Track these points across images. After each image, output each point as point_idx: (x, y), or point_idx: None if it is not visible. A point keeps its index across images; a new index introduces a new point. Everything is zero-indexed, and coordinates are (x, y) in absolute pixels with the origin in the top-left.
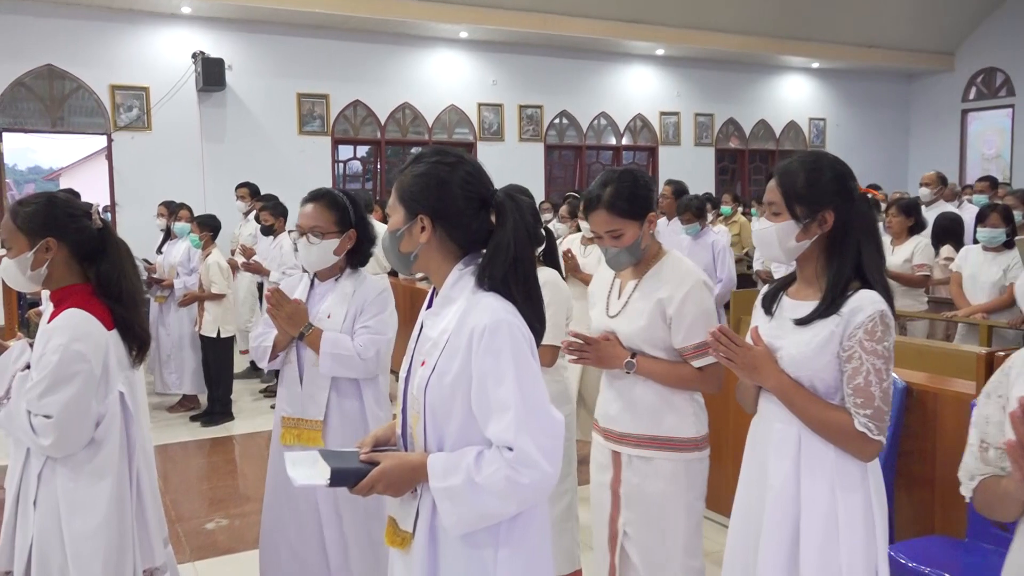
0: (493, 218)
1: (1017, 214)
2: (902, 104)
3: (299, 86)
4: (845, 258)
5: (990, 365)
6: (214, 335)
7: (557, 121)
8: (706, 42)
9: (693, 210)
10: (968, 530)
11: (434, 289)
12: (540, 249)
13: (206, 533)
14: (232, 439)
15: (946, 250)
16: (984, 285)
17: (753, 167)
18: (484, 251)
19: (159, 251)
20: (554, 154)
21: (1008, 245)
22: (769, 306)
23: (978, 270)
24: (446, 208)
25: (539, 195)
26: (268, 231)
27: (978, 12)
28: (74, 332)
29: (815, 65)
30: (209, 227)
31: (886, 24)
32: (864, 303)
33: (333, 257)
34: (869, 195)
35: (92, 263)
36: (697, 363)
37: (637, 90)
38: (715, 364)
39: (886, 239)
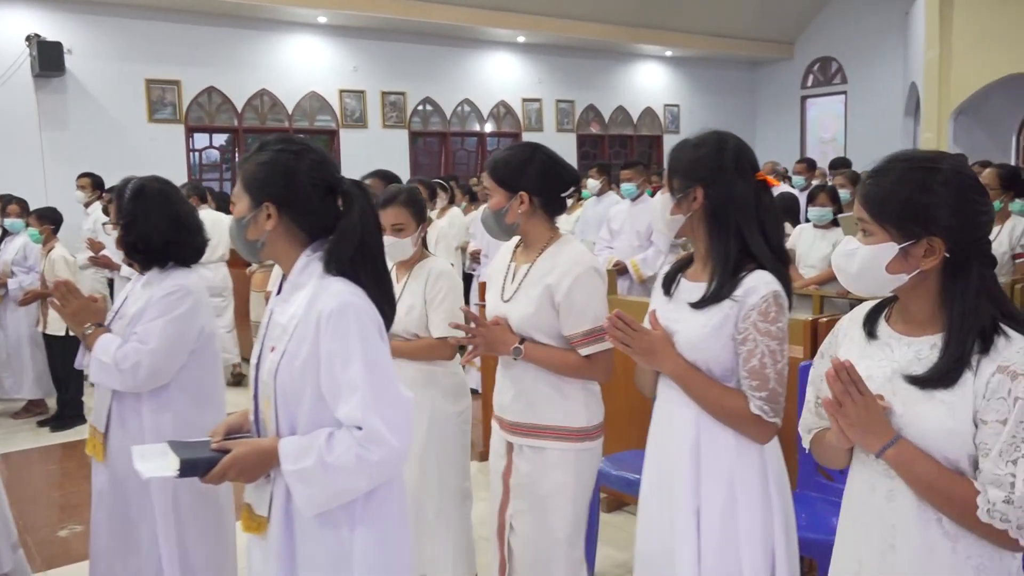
0: (341, 205)
1: (845, 192)
2: (748, 91)
3: (147, 71)
4: (726, 240)
5: (814, 331)
6: (62, 333)
7: (421, 108)
8: (565, 30)
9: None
10: (798, 482)
11: (283, 276)
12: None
13: (58, 541)
14: (84, 443)
15: (786, 228)
16: (815, 260)
17: (613, 152)
18: (331, 237)
19: None
20: (419, 141)
21: (836, 223)
22: (668, 287)
23: (810, 246)
24: (291, 195)
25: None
26: None
27: (814, 4)
28: None
29: (668, 53)
30: (50, 220)
31: (732, 14)
32: (758, 284)
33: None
34: (768, 181)
35: None
36: (584, 351)
37: (500, 77)
38: (604, 352)
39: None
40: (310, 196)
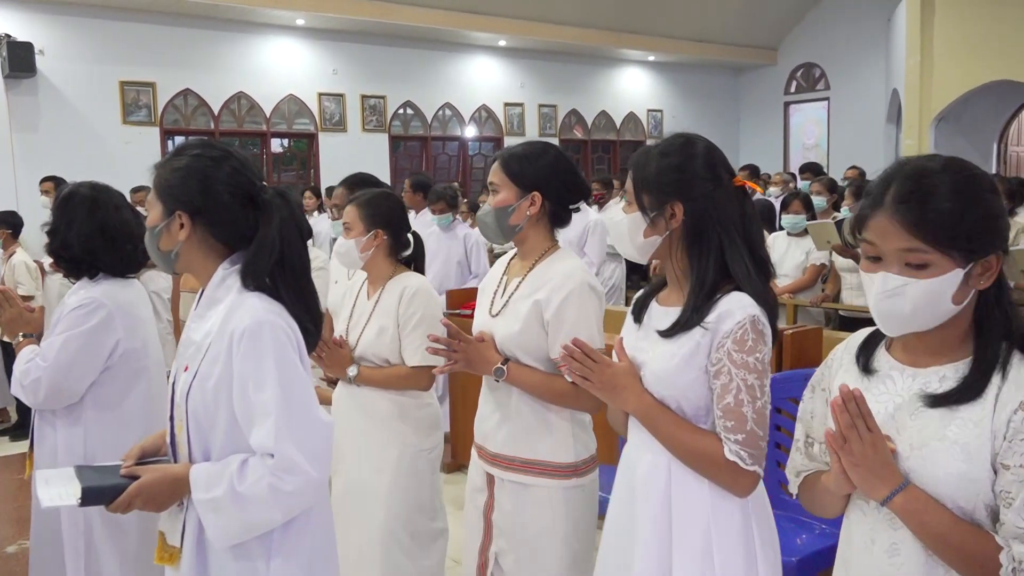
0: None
1: (821, 200)
2: (732, 96)
3: (121, 73)
4: (705, 258)
5: (781, 344)
6: None
7: (401, 111)
8: (547, 34)
9: (447, 199)
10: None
11: (201, 290)
12: (407, 253)
13: (5, 557)
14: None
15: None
16: (789, 268)
17: (596, 157)
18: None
19: None
20: (399, 145)
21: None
22: (639, 314)
23: (784, 254)
24: (207, 204)
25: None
26: None
27: (797, 10)
28: None
29: (651, 58)
30: (9, 224)
31: (715, 20)
32: (733, 308)
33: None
34: (748, 186)
35: None
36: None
37: (481, 81)
38: None
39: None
40: (227, 205)
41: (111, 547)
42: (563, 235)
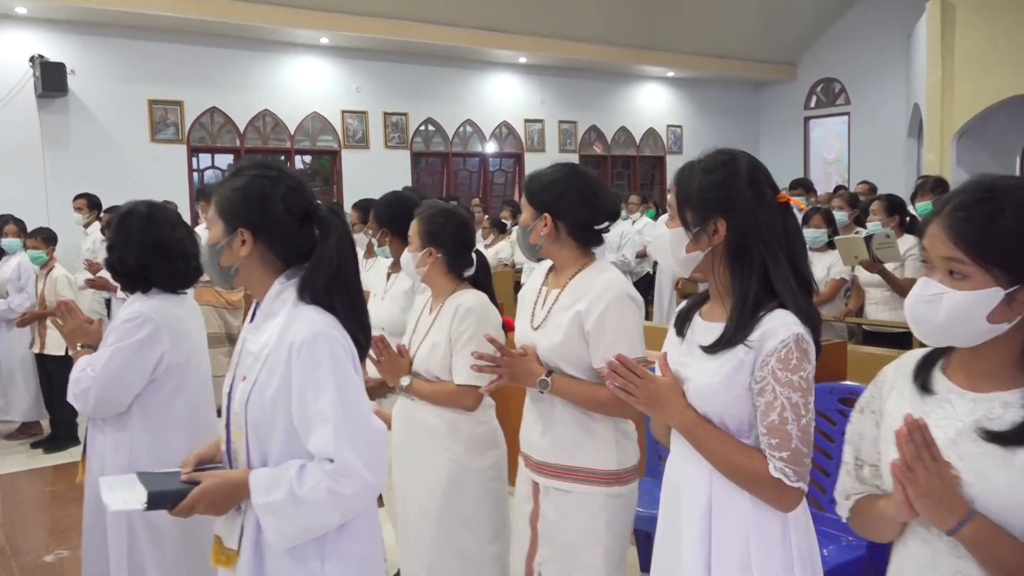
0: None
1: (842, 215)
2: (751, 111)
3: (150, 92)
4: (748, 275)
5: None
6: (61, 353)
7: (423, 128)
8: (567, 51)
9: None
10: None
11: (256, 303)
12: (470, 272)
13: (44, 567)
14: (77, 465)
15: None
16: None
17: (616, 173)
18: (306, 265)
19: None
20: (421, 161)
21: (832, 245)
22: (681, 327)
23: None
24: (267, 222)
25: None
26: None
27: (816, 26)
28: None
29: (670, 74)
30: (51, 240)
31: (734, 35)
32: (777, 327)
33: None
34: (791, 202)
35: None
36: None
37: (502, 97)
38: None
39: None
40: (285, 222)
41: (153, 554)
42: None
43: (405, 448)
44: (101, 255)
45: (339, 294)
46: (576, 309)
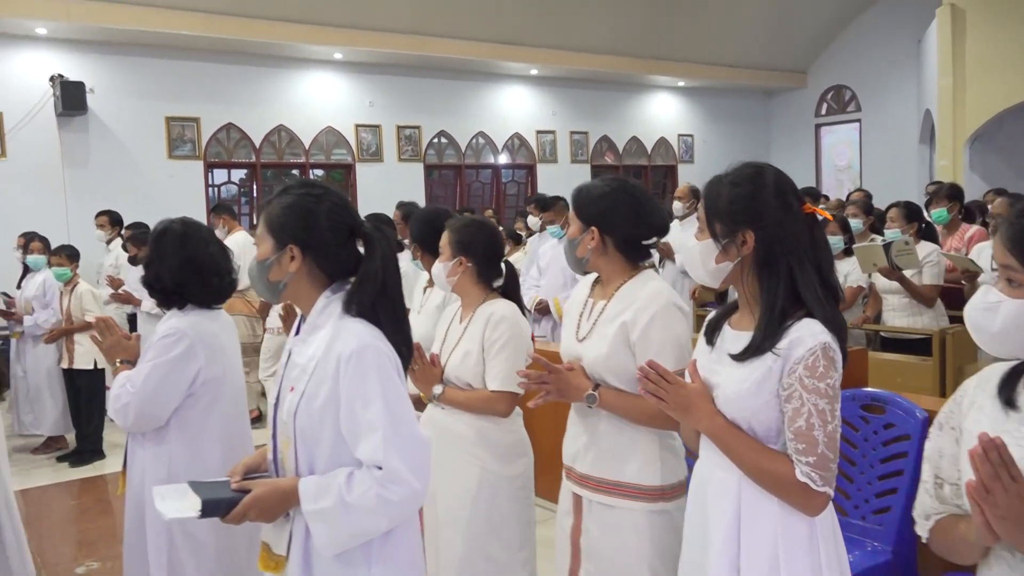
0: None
1: (857, 222)
2: (762, 119)
3: (167, 109)
4: (775, 285)
5: None
6: (89, 367)
7: (436, 141)
8: (578, 62)
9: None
10: None
11: (302, 317)
12: (499, 282)
13: None
14: (103, 478)
15: None
16: None
17: None
18: (351, 279)
19: (19, 285)
20: (434, 173)
21: (848, 252)
22: (711, 336)
23: None
24: (314, 238)
25: None
26: (135, 261)
27: (826, 34)
28: None
29: (681, 84)
30: (75, 258)
31: (744, 44)
32: (804, 335)
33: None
34: (817, 213)
35: None
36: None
37: (514, 109)
38: None
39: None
40: (331, 239)
41: (192, 563)
42: (558, 264)
43: (435, 457)
44: (123, 271)
45: (384, 307)
46: (622, 319)
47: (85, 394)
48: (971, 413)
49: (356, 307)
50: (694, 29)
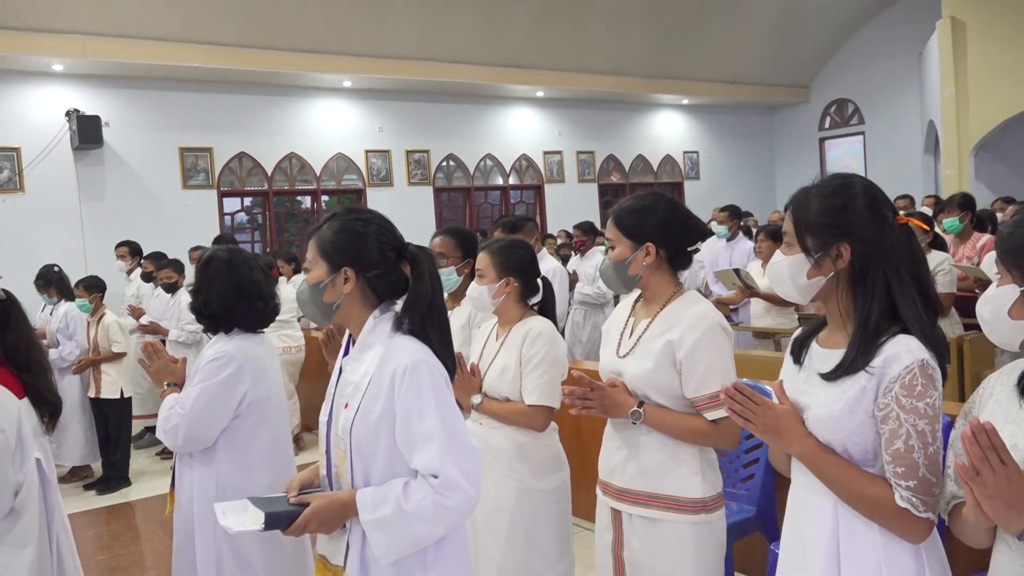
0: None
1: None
2: (766, 134)
3: (181, 140)
4: (871, 299)
5: None
6: (116, 396)
7: (444, 164)
8: (583, 83)
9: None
10: None
11: (350, 336)
12: (536, 299)
13: None
14: (131, 505)
15: None
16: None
17: None
18: (397, 299)
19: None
20: (443, 196)
21: None
22: (798, 354)
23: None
24: (366, 260)
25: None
26: (171, 288)
27: (827, 49)
28: None
29: (685, 101)
30: (97, 288)
31: (747, 61)
32: (900, 352)
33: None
34: (911, 224)
35: None
36: (712, 415)
37: (521, 131)
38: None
39: (756, 264)
40: (381, 260)
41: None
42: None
43: None
44: (144, 300)
45: (432, 324)
46: (668, 338)
47: (112, 423)
48: (988, 404)
49: (408, 325)
50: (697, 47)
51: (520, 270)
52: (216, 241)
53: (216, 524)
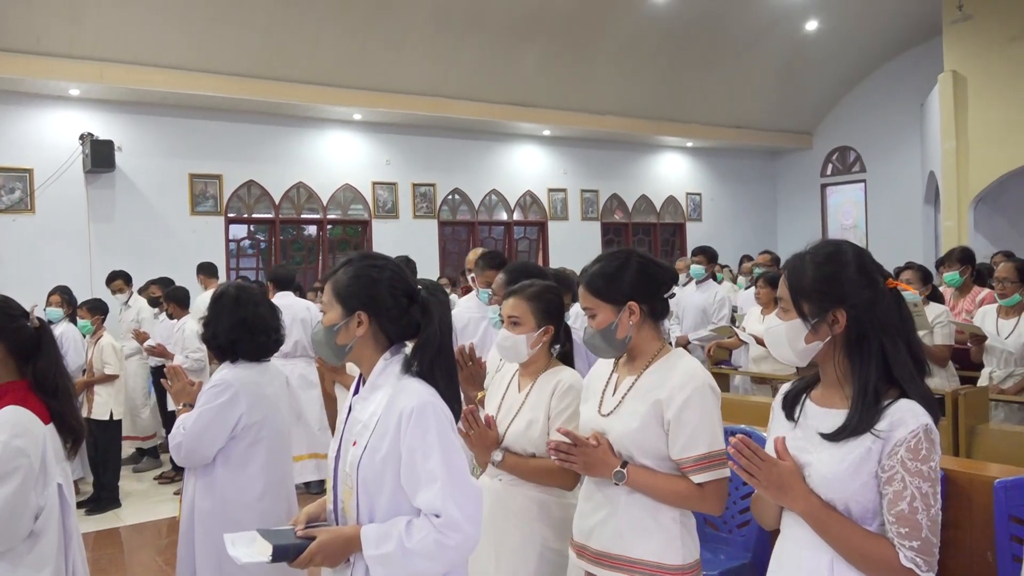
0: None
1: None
2: (769, 179)
3: (192, 167)
4: (867, 364)
5: None
6: (106, 418)
7: (450, 198)
8: (589, 123)
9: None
10: None
11: (360, 376)
12: (561, 348)
13: None
14: (118, 531)
15: None
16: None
17: (637, 239)
18: (408, 342)
19: None
20: (447, 230)
21: None
22: (791, 411)
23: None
24: (379, 304)
25: (433, 271)
26: (171, 318)
27: (831, 97)
28: (14, 428)
29: (689, 144)
30: (100, 311)
31: (751, 107)
32: (905, 417)
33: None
34: (899, 288)
35: (28, 360)
36: (698, 478)
37: (526, 168)
38: (719, 481)
39: (755, 310)
40: (393, 305)
41: None
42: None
43: (493, 531)
44: (145, 324)
45: (440, 367)
46: (656, 397)
47: (101, 444)
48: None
49: (417, 367)
50: (702, 91)
51: (558, 317)
52: (198, 269)
53: (214, 530)
